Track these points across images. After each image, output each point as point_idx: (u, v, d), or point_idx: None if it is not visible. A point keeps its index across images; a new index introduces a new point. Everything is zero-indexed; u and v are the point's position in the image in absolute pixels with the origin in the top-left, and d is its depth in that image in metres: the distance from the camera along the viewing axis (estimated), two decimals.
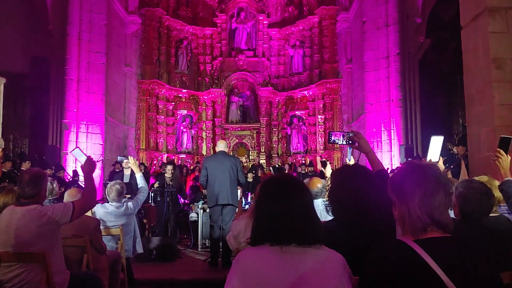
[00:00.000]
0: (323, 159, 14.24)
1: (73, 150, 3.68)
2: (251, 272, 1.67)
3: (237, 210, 5.94)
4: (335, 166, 16.63)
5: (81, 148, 3.73)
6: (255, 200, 1.85)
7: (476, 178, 3.26)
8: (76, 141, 12.66)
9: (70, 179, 10.59)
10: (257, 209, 1.80)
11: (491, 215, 3.09)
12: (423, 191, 1.51)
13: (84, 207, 3.35)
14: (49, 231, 3.12)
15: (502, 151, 2.78)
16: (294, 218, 1.72)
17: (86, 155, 3.57)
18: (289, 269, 1.65)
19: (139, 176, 5.50)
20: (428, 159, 4.40)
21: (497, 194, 3.17)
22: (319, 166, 16.95)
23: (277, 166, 16.80)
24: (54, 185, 4.81)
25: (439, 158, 4.53)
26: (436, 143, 4.50)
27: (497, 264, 1.57)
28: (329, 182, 4.25)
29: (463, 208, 2.27)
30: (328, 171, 5.09)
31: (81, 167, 3.52)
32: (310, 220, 1.75)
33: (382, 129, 13.14)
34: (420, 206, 1.51)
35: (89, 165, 3.46)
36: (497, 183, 3.25)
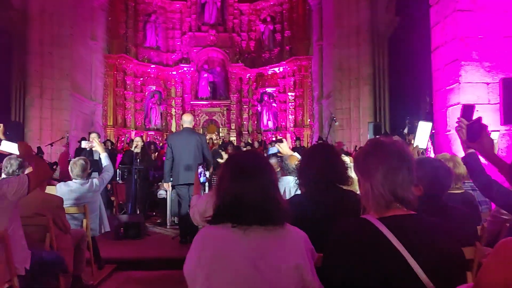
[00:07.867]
0: (279, 137, 14.17)
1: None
2: (212, 251, 1.66)
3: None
4: (307, 143, 16.70)
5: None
6: (218, 177, 1.80)
7: (439, 156, 3.29)
8: (41, 117, 12.30)
9: None
10: (220, 188, 1.76)
11: (456, 191, 3.14)
12: (386, 168, 1.50)
13: (38, 176, 3.18)
14: (6, 206, 3.01)
15: (465, 120, 2.55)
16: (256, 198, 1.67)
17: (14, 142, 3.41)
18: (251, 250, 1.63)
19: (104, 156, 5.39)
20: (415, 144, 4.26)
21: (461, 170, 3.20)
22: (289, 144, 17.09)
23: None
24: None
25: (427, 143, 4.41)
26: (424, 129, 4.33)
27: (459, 240, 1.57)
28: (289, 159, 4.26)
29: (427, 186, 2.27)
30: (284, 147, 4.82)
31: (18, 156, 3.42)
32: (272, 200, 1.71)
33: (351, 106, 13.23)
34: (382, 183, 1.49)
35: (23, 147, 3.28)
36: (459, 159, 3.28)
